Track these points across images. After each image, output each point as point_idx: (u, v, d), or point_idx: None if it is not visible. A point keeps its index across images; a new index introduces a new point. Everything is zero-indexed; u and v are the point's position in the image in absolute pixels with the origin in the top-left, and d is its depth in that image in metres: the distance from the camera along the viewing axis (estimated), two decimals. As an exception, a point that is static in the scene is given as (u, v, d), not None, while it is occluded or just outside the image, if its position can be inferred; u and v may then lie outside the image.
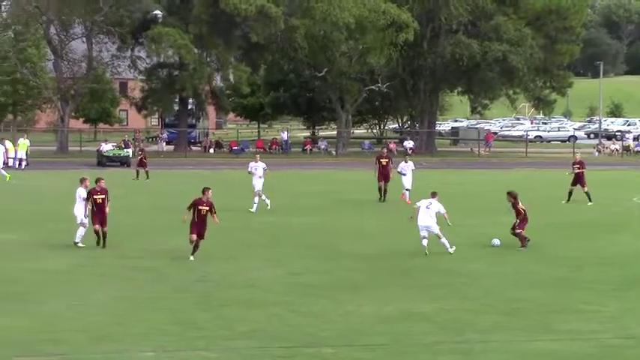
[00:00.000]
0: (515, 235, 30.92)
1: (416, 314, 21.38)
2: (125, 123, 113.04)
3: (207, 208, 27.81)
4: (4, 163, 61.15)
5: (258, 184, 41.22)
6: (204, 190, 28.24)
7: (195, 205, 27.91)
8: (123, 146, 76.47)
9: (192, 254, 27.74)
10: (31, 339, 18.75)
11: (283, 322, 20.52)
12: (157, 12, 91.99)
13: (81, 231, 30.19)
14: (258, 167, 41.84)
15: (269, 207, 40.73)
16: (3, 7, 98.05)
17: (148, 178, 57.12)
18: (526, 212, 30.95)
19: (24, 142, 71.97)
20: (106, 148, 74.69)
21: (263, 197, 40.96)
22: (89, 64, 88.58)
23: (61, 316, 20.78)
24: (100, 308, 21.67)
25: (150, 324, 20.19)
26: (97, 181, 30.47)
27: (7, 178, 54.70)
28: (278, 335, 19.35)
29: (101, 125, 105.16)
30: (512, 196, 31.21)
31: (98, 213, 29.79)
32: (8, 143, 72.21)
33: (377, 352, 18.26)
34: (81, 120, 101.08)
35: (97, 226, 29.82)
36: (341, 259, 29.02)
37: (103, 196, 29.94)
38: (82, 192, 30.46)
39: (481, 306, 22.29)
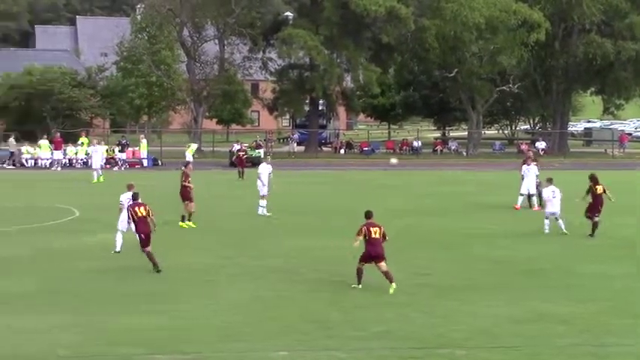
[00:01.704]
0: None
1: (549, 316, 21.12)
2: (257, 124, 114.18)
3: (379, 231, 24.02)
4: (103, 164, 62.12)
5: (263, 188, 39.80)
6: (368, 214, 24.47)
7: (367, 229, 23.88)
8: (255, 147, 77.29)
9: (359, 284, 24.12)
10: (166, 337, 19.12)
11: (414, 322, 20.50)
12: (288, 14, 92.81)
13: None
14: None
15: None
16: (137, 11, 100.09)
17: (241, 178, 57.48)
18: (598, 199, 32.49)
19: (143, 143, 73.57)
20: (238, 148, 75.54)
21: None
22: (221, 65, 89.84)
23: (197, 315, 21.14)
24: (234, 307, 21.97)
25: (283, 323, 20.40)
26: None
27: (98, 180, 55.20)
28: (409, 336, 19.35)
29: (233, 126, 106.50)
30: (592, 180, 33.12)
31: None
32: (144, 140, 73.97)
33: (509, 354, 18.11)
34: (214, 121, 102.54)
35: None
36: (470, 260, 28.85)
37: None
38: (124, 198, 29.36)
39: (613, 308, 21.92)
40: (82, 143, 71.51)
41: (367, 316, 21.07)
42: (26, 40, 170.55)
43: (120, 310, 21.41)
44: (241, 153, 62.37)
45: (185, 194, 35.62)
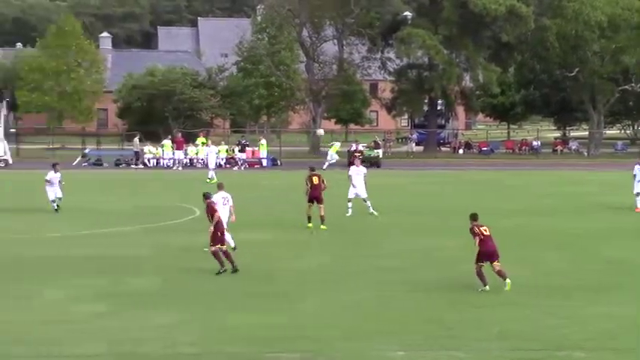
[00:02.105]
0: None
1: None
2: (375, 124, 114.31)
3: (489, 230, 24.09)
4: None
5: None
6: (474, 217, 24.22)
7: None
8: (373, 147, 77.41)
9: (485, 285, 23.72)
10: (285, 336, 19.31)
11: (533, 323, 20.33)
12: (407, 13, 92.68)
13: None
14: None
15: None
16: (258, 12, 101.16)
17: None
18: None
19: (263, 143, 74.28)
20: (354, 149, 75.82)
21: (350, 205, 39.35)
22: (340, 65, 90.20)
23: (314, 314, 21.30)
24: (352, 307, 22.06)
25: (401, 323, 20.42)
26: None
27: (212, 181, 55.68)
28: (528, 337, 19.19)
29: (352, 126, 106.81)
30: None
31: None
32: (263, 140, 74.70)
33: (630, 357, 17.85)
34: (332, 121, 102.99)
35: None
36: (591, 260, 28.47)
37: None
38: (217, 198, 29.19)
39: None
40: (201, 143, 72.62)
41: (485, 316, 20.97)
42: (149, 41, 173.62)
43: (239, 309, 21.68)
44: (357, 154, 62.47)
45: (314, 195, 35.11)
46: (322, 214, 35.16)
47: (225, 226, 28.55)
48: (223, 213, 28.68)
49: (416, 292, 23.69)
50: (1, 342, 18.49)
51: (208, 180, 55.45)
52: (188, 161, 71.72)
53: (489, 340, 18.99)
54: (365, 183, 39.53)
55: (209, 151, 62.01)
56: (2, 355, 17.70)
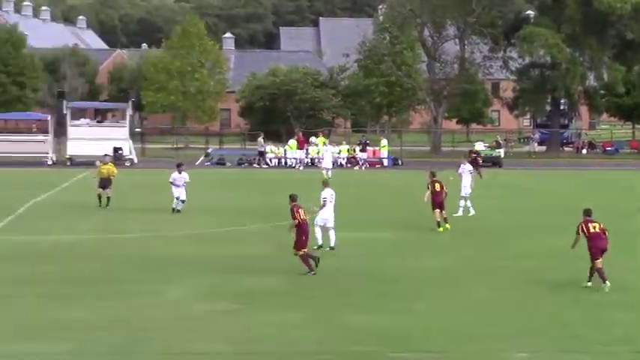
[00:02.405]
0: None
1: None
2: (497, 123, 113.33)
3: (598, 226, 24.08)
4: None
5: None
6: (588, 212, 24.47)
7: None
8: (495, 146, 76.83)
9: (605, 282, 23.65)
10: (406, 336, 19.34)
11: (659, 328, 20.03)
12: (529, 12, 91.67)
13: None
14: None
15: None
16: (379, 11, 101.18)
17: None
18: None
19: (384, 143, 74.28)
20: (479, 148, 75.39)
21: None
22: (461, 65, 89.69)
23: (436, 315, 21.29)
24: (473, 307, 22.00)
25: (523, 324, 20.30)
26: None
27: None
28: (654, 342, 18.93)
29: (473, 126, 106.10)
30: None
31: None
32: (384, 140, 74.74)
33: None
34: (453, 120, 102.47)
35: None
36: None
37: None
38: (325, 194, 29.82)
39: None
40: (321, 143, 73.03)
41: (609, 318, 20.70)
42: (271, 41, 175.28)
43: (362, 308, 21.79)
44: (474, 154, 62.01)
45: (438, 201, 35.00)
46: (444, 216, 35.12)
47: (332, 223, 29.38)
48: (329, 210, 29.42)
49: (540, 293, 23.53)
50: (127, 339, 18.96)
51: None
52: (309, 161, 72.16)
53: (614, 343, 18.74)
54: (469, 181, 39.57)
55: (325, 151, 62.34)
56: (128, 351, 18.15)
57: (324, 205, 29.51)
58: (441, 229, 34.56)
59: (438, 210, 34.75)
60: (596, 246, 23.47)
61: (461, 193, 39.06)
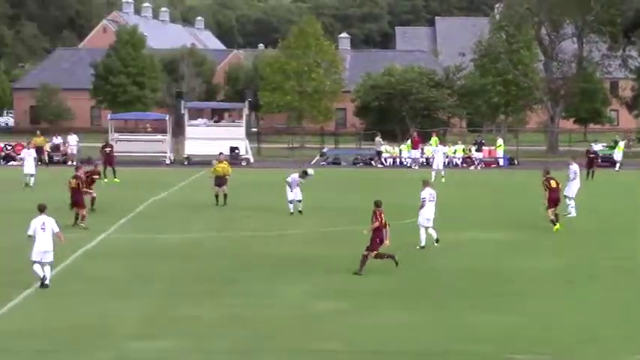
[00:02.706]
0: None
1: None
2: (616, 123, 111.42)
3: None
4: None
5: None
6: None
7: None
8: (613, 146, 75.53)
9: None
10: (524, 336, 19.30)
11: None
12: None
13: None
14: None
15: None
16: (496, 10, 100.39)
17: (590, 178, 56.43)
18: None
19: (500, 143, 73.62)
20: (596, 147, 74.26)
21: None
22: (579, 64, 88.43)
23: (551, 315, 21.16)
24: (588, 308, 21.82)
25: (637, 326, 20.08)
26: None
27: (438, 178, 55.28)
28: None
29: (591, 125, 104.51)
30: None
31: None
32: (500, 140, 74.16)
33: None
34: (571, 120, 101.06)
35: None
36: None
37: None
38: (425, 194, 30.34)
39: None
40: (434, 143, 72.83)
41: None
42: (386, 41, 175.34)
43: (477, 309, 21.77)
44: (591, 155, 61.20)
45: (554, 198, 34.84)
46: (556, 213, 34.90)
47: (431, 223, 29.98)
48: (429, 209, 29.92)
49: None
50: (247, 337, 19.27)
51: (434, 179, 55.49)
52: (424, 160, 71.97)
53: None
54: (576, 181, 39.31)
55: (435, 151, 62.09)
56: (255, 349, 18.45)
57: (422, 206, 30.00)
58: (557, 226, 34.22)
59: (553, 208, 34.57)
60: None
61: (566, 194, 38.49)
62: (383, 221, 26.09)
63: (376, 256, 26.06)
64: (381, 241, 26.28)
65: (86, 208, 35.20)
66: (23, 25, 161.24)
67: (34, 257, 23.44)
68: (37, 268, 23.38)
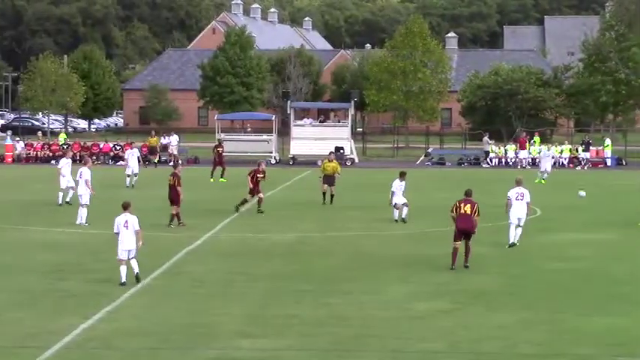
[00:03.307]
0: None
1: None
2: None
3: None
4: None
5: None
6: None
7: None
8: None
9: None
10: (628, 339, 19.00)
11: None
12: None
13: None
14: None
15: None
16: (607, 9, 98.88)
17: None
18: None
19: (608, 143, 72.53)
20: None
21: None
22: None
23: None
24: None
25: None
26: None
27: (540, 181, 54.30)
28: None
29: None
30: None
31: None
32: (608, 140, 73.07)
33: None
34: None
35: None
36: None
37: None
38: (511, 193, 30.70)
39: None
40: (535, 142, 72.17)
41: None
42: (494, 40, 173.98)
43: (584, 311, 21.48)
44: None
45: None
46: None
47: (520, 222, 29.98)
48: (516, 208, 29.91)
49: None
50: (348, 336, 19.32)
51: (542, 181, 54.84)
52: (531, 160, 71.30)
53: None
54: None
55: (545, 154, 61.42)
56: (357, 348, 18.43)
57: (508, 204, 30.13)
58: None
59: None
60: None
61: None
62: (462, 211, 26.52)
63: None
64: (459, 233, 26.50)
65: (179, 207, 35.13)
66: (134, 26, 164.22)
67: (120, 256, 23.80)
68: (122, 269, 23.67)
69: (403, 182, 36.05)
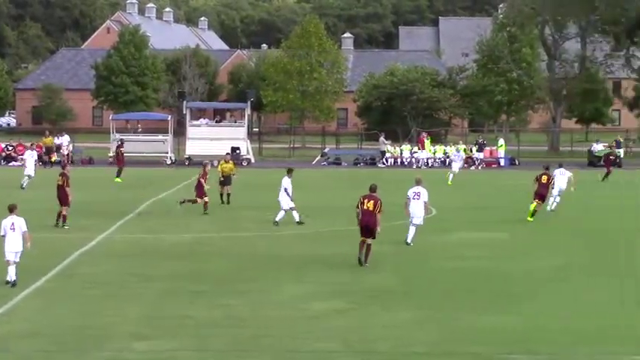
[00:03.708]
0: None
1: None
2: (617, 123, 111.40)
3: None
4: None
5: None
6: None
7: None
8: (614, 146, 75.51)
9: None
10: (520, 337, 19.24)
11: None
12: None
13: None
14: None
15: None
16: (499, 10, 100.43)
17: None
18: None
19: (501, 143, 73.74)
20: (597, 148, 74.32)
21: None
22: (582, 64, 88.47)
23: (547, 316, 21.10)
24: (589, 309, 21.78)
25: (638, 328, 20.06)
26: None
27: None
28: None
29: (593, 125, 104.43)
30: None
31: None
32: (501, 140, 74.27)
33: None
34: (573, 120, 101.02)
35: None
36: None
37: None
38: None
39: None
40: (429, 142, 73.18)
41: None
42: (390, 41, 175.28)
43: (474, 309, 21.74)
44: (612, 157, 60.90)
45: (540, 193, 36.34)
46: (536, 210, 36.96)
47: (417, 221, 30.40)
48: (412, 207, 30.33)
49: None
50: (244, 336, 19.26)
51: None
52: (431, 160, 72.10)
53: None
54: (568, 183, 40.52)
55: (457, 155, 62.02)
56: (252, 348, 18.44)
57: (406, 204, 30.48)
58: (531, 219, 36.28)
59: (538, 201, 36.87)
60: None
61: (555, 192, 39.52)
62: (365, 207, 26.53)
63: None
64: (361, 228, 26.64)
65: (68, 207, 34.76)
66: (27, 25, 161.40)
67: (7, 257, 23.48)
68: (10, 269, 23.33)
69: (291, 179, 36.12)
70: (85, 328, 19.57)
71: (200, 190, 39.09)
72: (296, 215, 35.86)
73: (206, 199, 39.21)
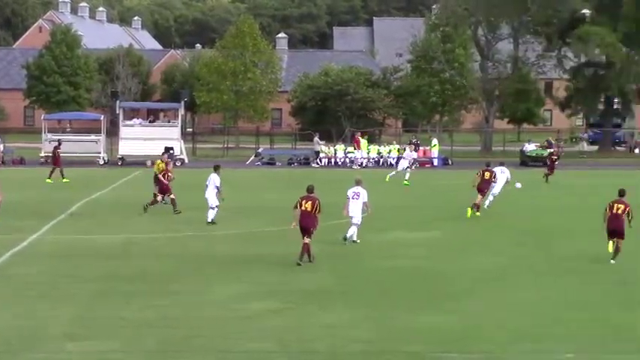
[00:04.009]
0: None
1: None
2: (549, 123, 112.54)
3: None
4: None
5: None
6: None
7: None
8: (546, 146, 76.25)
9: None
10: (456, 336, 19.34)
11: None
12: (585, 11, 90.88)
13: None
14: None
15: None
16: (433, 11, 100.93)
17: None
18: None
19: (435, 143, 74.22)
20: (529, 148, 75.04)
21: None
22: (514, 64, 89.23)
23: (484, 315, 21.23)
24: (524, 308, 21.93)
25: (572, 326, 20.22)
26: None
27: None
28: None
29: (525, 125, 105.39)
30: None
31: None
32: (435, 140, 74.78)
33: None
34: (505, 120, 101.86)
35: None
36: None
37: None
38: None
39: None
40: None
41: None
42: (324, 41, 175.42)
43: (411, 308, 21.79)
44: (554, 157, 61.27)
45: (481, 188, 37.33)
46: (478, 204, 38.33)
47: (355, 220, 30.58)
48: (351, 207, 30.46)
49: (590, 295, 23.44)
50: (176, 337, 19.12)
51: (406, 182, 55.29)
52: (365, 160, 72.27)
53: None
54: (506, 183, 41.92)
55: (408, 155, 62.02)
56: (184, 349, 18.29)
57: (346, 204, 30.64)
58: (470, 214, 37.36)
59: (480, 196, 38.27)
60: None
61: (494, 192, 40.45)
62: (303, 208, 26.76)
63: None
64: (300, 227, 26.81)
65: None
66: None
67: None
68: None
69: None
70: (16, 329, 19.31)
71: (162, 186, 38.99)
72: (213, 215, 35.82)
73: (172, 196, 39.23)
